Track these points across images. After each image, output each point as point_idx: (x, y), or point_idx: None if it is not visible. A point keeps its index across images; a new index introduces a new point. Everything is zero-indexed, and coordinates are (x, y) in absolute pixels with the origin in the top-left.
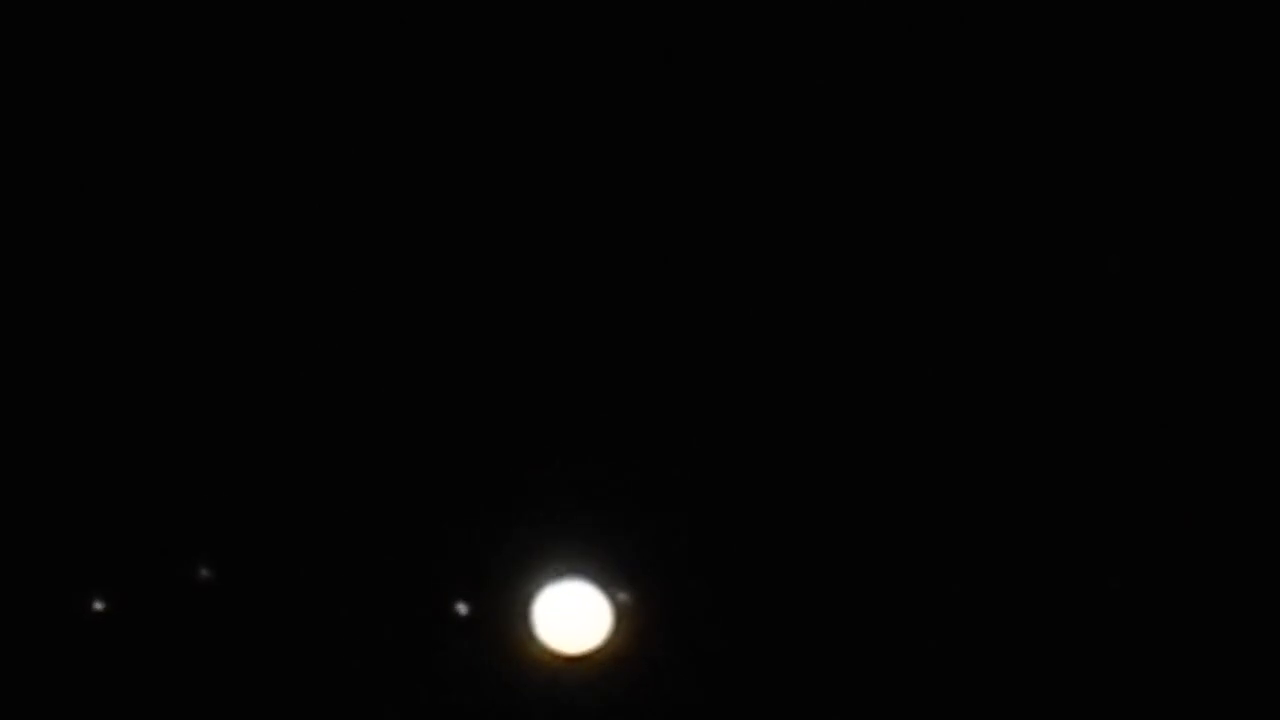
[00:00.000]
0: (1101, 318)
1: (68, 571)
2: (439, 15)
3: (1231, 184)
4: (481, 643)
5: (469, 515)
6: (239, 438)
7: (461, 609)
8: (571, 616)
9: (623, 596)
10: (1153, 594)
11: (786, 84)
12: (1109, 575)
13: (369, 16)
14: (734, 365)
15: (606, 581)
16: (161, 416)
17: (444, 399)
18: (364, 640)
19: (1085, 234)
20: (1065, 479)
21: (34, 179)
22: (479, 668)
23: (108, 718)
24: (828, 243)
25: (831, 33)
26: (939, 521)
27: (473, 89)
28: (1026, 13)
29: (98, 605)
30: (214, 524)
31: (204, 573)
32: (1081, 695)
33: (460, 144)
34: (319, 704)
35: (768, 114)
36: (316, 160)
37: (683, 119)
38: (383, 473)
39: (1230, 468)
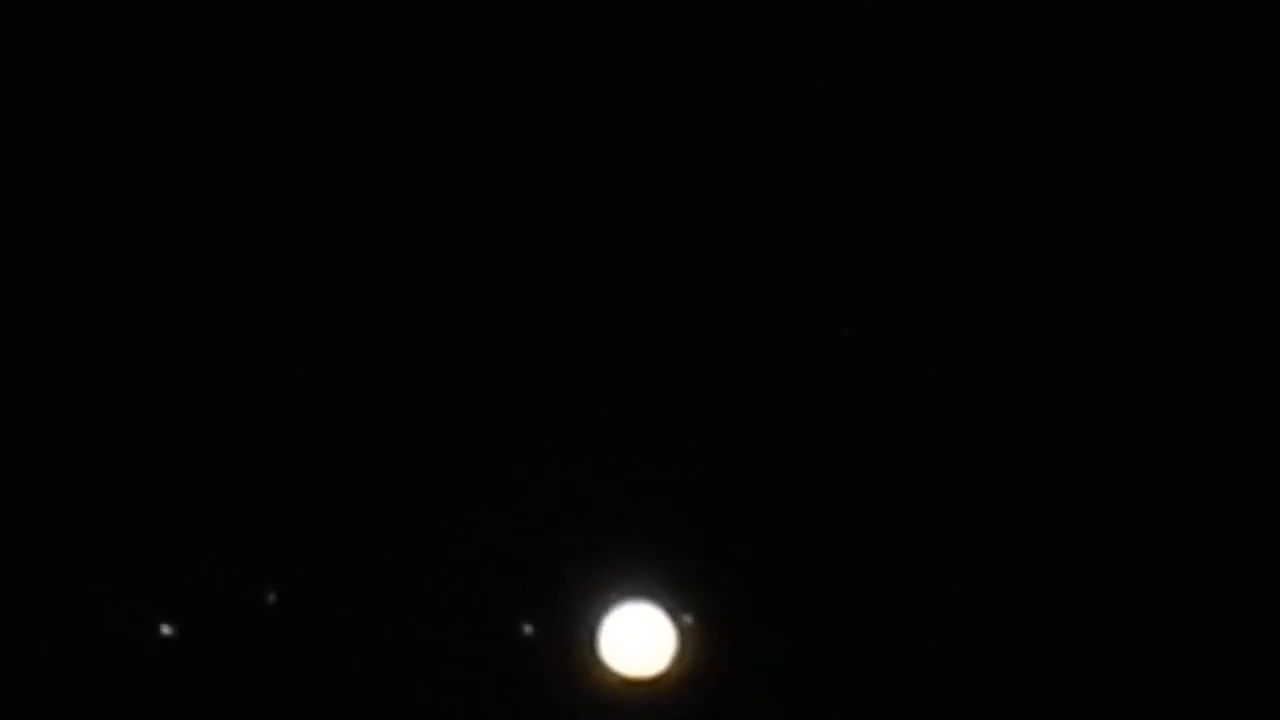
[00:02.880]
0: (1103, 318)
1: (135, 597)
2: (439, 15)
3: (1231, 185)
4: (547, 665)
5: (535, 537)
6: (303, 462)
7: (527, 631)
8: (637, 639)
9: (688, 619)
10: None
11: (786, 84)
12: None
13: (369, 16)
14: (799, 392)
15: (672, 604)
16: (226, 443)
17: (509, 421)
18: (430, 662)
19: (1085, 234)
20: (1124, 491)
21: (36, 182)
22: (544, 690)
23: None
24: (870, 256)
25: (831, 33)
26: (1005, 542)
27: (466, 88)
28: (1026, 13)
29: (165, 630)
30: (279, 547)
31: (270, 596)
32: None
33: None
34: None
35: (766, 114)
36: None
37: (682, 119)
38: (448, 495)
39: (1230, 468)
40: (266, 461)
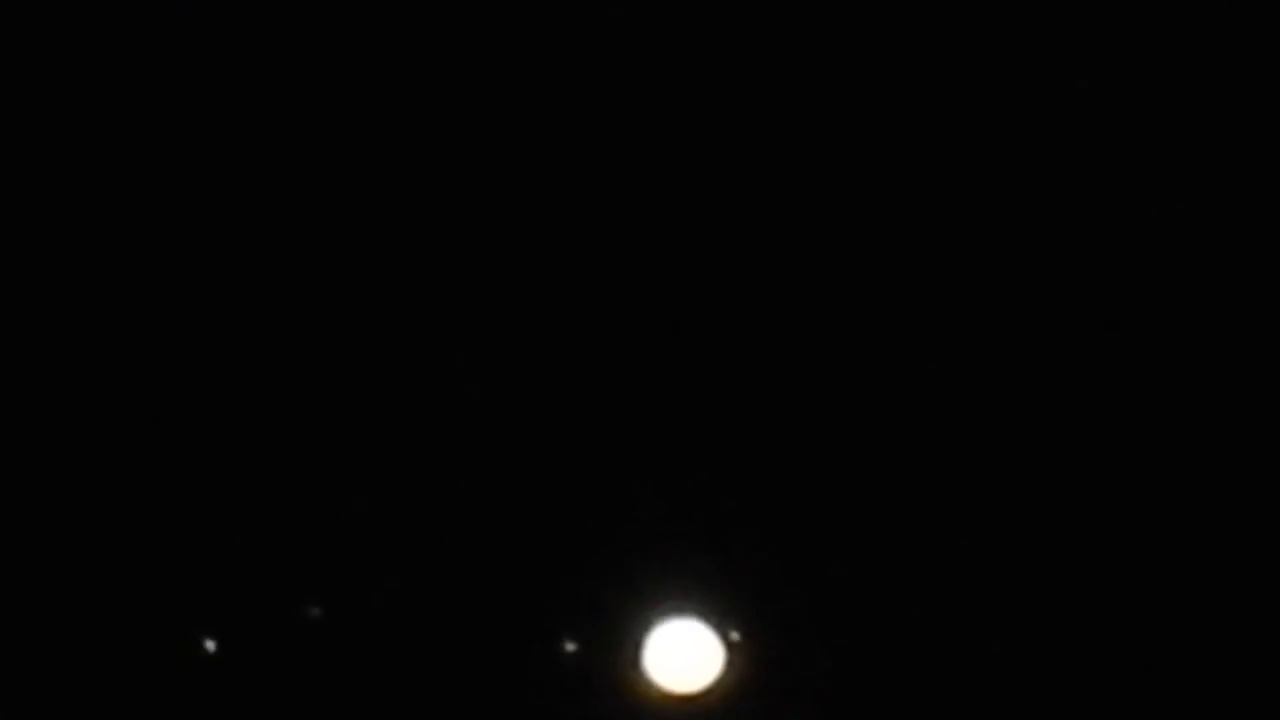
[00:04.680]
0: (1104, 318)
1: (179, 613)
2: (439, 15)
3: (1231, 185)
4: (592, 681)
5: (580, 553)
6: (346, 476)
7: (572, 647)
8: (683, 655)
9: (735, 635)
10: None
11: (786, 84)
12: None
13: (369, 17)
14: (847, 409)
15: (718, 620)
16: (269, 455)
17: (554, 435)
18: (473, 678)
19: (1085, 234)
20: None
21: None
22: (589, 706)
23: None
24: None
25: (831, 33)
26: (1058, 565)
27: (467, 88)
28: (1026, 13)
29: (209, 645)
30: (323, 563)
31: (313, 611)
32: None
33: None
34: None
35: (769, 117)
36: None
37: (688, 121)
38: (492, 510)
39: (1230, 468)
40: (312, 478)
